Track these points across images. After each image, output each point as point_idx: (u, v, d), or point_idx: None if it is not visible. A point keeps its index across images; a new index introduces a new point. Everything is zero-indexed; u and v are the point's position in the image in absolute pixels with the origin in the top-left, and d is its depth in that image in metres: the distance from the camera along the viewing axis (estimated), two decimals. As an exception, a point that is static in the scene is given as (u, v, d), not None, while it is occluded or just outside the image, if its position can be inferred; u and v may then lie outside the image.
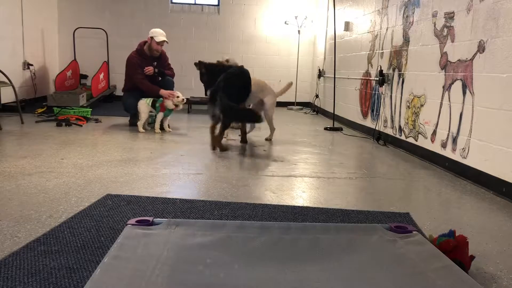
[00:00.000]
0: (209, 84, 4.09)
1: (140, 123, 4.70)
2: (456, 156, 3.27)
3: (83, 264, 1.56)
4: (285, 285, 1.33)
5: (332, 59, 6.13)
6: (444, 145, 3.44)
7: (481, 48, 2.98)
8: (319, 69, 7.33)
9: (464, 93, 3.18)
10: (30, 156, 3.28)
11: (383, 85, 4.64)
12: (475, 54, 3.05)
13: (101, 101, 7.12)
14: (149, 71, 4.96)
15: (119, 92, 7.72)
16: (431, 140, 3.64)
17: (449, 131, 3.38)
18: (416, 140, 3.92)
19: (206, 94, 4.20)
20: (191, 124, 5.68)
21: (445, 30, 3.46)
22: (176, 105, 4.71)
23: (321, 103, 7.22)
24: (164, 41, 5.07)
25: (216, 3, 7.89)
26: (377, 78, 4.76)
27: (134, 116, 4.94)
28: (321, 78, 7.26)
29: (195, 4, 7.88)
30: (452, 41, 3.35)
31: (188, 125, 5.58)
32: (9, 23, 5.98)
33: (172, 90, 5.13)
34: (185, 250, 1.52)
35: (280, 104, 7.92)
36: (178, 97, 4.70)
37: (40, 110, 5.64)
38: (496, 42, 2.83)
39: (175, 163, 3.29)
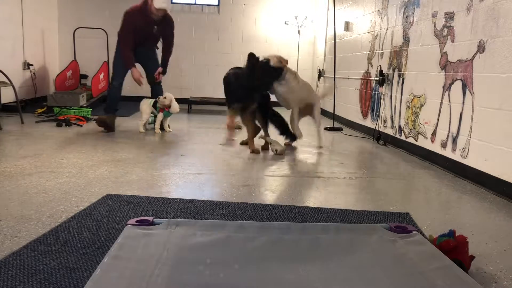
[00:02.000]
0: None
1: (140, 123, 4.70)
2: (456, 156, 3.27)
3: (83, 264, 1.56)
4: (285, 285, 1.33)
5: (332, 59, 6.13)
6: (444, 145, 3.44)
7: (481, 48, 2.98)
8: (319, 69, 7.33)
9: (464, 93, 3.18)
10: (30, 156, 3.28)
11: (383, 85, 4.64)
12: (475, 54, 3.05)
13: (101, 101, 7.12)
14: (138, 81, 4.60)
15: (119, 92, 7.73)
16: (431, 140, 3.64)
17: (449, 131, 3.38)
18: (416, 140, 3.92)
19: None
20: (191, 124, 5.68)
21: (445, 30, 3.46)
22: (169, 107, 4.62)
23: (321, 103, 7.21)
24: (164, 9, 4.42)
25: (216, 3, 7.90)
26: (377, 78, 4.76)
27: None
28: (321, 78, 7.26)
29: (195, 4, 7.88)
30: (452, 41, 3.35)
31: (188, 125, 5.58)
32: (9, 23, 5.98)
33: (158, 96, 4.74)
34: (185, 250, 1.52)
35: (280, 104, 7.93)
36: (165, 98, 4.59)
37: (40, 110, 5.64)
38: (496, 42, 2.83)
39: (175, 163, 3.29)
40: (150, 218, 1.72)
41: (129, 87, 7.81)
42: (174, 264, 1.40)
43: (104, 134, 4.43)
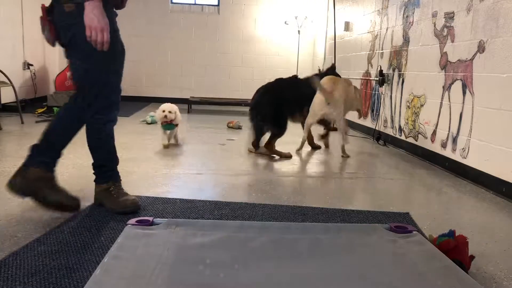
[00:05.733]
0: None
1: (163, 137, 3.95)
2: (456, 156, 3.27)
3: (83, 264, 1.56)
4: (285, 285, 1.33)
5: (332, 59, 6.13)
6: (444, 145, 3.44)
7: (481, 48, 2.98)
8: (319, 69, 7.31)
9: (464, 93, 3.18)
10: (30, 156, 3.27)
11: (383, 85, 4.64)
12: (475, 54, 3.05)
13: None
14: None
15: (119, 92, 7.72)
16: (431, 140, 3.64)
17: (449, 131, 3.38)
18: (416, 140, 3.92)
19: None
20: (191, 124, 5.68)
21: (445, 30, 3.46)
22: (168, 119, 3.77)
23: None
24: None
25: (216, 3, 7.89)
26: (377, 78, 4.76)
27: None
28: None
29: (195, 4, 7.88)
30: (452, 41, 3.35)
31: (188, 125, 5.58)
32: (9, 23, 5.98)
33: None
34: (185, 250, 1.52)
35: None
36: (163, 111, 3.76)
37: (40, 110, 5.64)
38: (496, 42, 2.83)
39: (175, 163, 3.29)
40: (150, 218, 1.72)
41: (128, 86, 7.85)
42: (174, 264, 1.40)
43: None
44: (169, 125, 3.83)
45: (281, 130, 3.70)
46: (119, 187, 2.25)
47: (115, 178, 2.27)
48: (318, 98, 3.68)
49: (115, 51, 2.07)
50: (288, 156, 3.67)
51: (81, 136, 4.14)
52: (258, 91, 3.80)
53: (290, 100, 3.74)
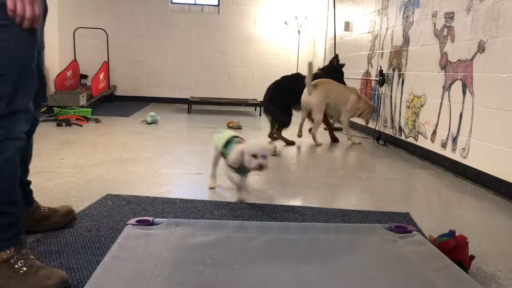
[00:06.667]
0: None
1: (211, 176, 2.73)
2: (456, 156, 3.27)
3: (83, 264, 1.56)
4: (285, 285, 1.33)
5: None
6: (444, 145, 3.44)
7: (481, 48, 2.98)
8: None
9: (464, 93, 3.18)
10: (30, 156, 3.27)
11: (383, 85, 4.64)
12: (475, 54, 3.05)
13: (101, 101, 7.12)
14: None
15: (119, 92, 7.72)
16: (431, 140, 3.64)
17: (449, 131, 3.38)
18: (416, 140, 3.92)
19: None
20: (191, 124, 5.68)
21: (445, 30, 3.46)
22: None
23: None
24: None
25: (216, 3, 7.90)
26: (377, 78, 4.76)
27: None
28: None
29: (195, 4, 7.88)
30: (452, 41, 3.35)
31: (188, 125, 5.58)
32: (9, 23, 5.97)
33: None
34: (185, 250, 1.52)
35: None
36: (254, 155, 2.26)
37: (40, 110, 5.64)
38: (496, 42, 2.83)
39: (175, 163, 3.29)
40: (150, 218, 1.73)
41: (128, 86, 7.85)
42: (174, 264, 1.40)
43: (104, 133, 4.43)
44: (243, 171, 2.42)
45: (287, 121, 4.37)
46: (27, 255, 1.37)
47: (22, 238, 1.38)
48: (305, 89, 4.34)
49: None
50: (292, 143, 4.30)
51: (79, 137, 4.13)
52: (268, 89, 4.46)
53: (296, 93, 4.32)
